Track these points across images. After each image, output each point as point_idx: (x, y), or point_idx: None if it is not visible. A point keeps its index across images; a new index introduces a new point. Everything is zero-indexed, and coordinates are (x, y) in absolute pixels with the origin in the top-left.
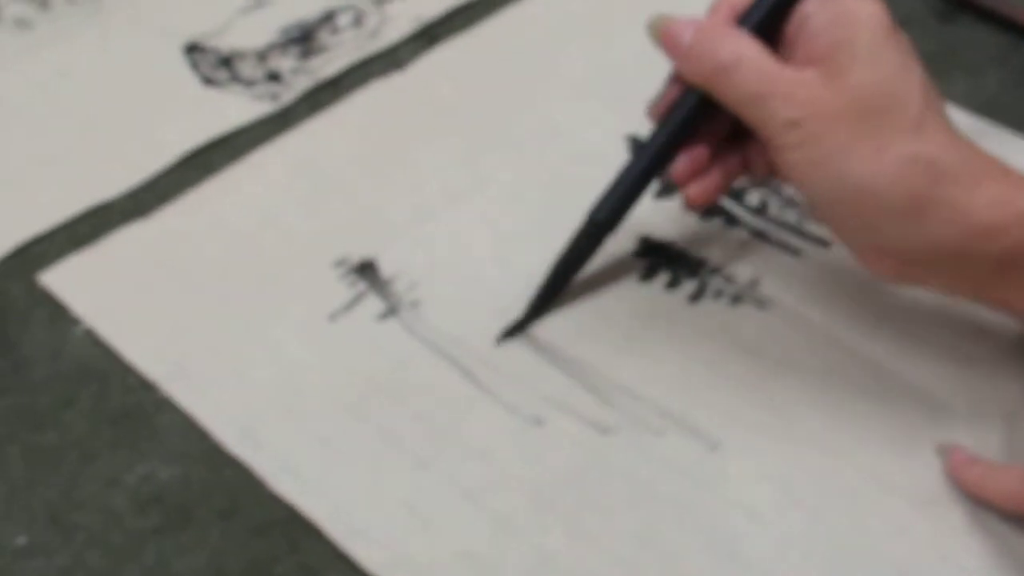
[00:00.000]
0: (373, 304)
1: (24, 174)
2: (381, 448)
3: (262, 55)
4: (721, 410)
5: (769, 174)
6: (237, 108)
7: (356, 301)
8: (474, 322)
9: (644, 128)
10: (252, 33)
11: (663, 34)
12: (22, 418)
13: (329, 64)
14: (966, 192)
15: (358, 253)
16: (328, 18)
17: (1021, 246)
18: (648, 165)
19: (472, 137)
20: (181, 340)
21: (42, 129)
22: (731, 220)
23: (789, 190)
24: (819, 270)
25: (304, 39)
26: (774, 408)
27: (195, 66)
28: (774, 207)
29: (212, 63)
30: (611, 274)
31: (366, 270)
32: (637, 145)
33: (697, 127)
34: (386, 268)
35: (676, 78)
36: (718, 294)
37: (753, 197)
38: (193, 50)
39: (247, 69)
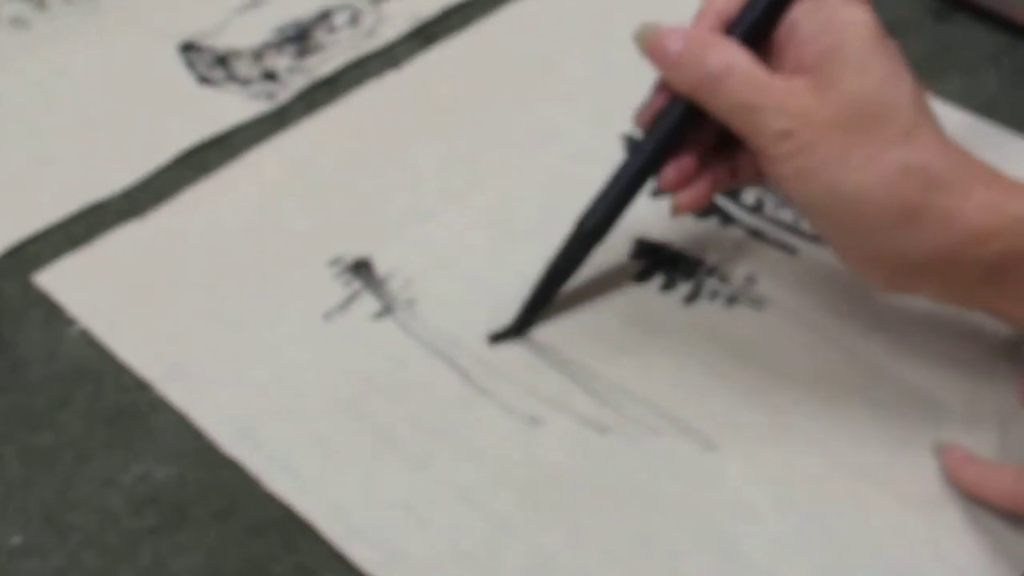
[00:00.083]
0: (368, 303)
1: (20, 173)
2: (377, 448)
3: (258, 54)
4: (717, 410)
5: (758, 181)
6: (233, 107)
7: (351, 300)
8: (470, 321)
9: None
10: (248, 32)
11: (650, 44)
12: (17, 418)
13: (325, 63)
14: (958, 199)
15: (353, 252)
16: (324, 17)
17: (1012, 252)
18: (636, 175)
19: (468, 136)
20: (176, 340)
21: (38, 128)
22: (727, 219)
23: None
24: (815, 268)
25: (300, 38)
26: (770, 408)
27: (191, 65)
28: (770, 206)
29: (208, 62)
30: (607, 275)
31: (361, 269)
32: (628, 151)
33: (684, 136)
34: (381, 267)
35: (663, 86)
36: (714, 295)
37: (749, 196)
38: (189, 49)
39: (243, 68)
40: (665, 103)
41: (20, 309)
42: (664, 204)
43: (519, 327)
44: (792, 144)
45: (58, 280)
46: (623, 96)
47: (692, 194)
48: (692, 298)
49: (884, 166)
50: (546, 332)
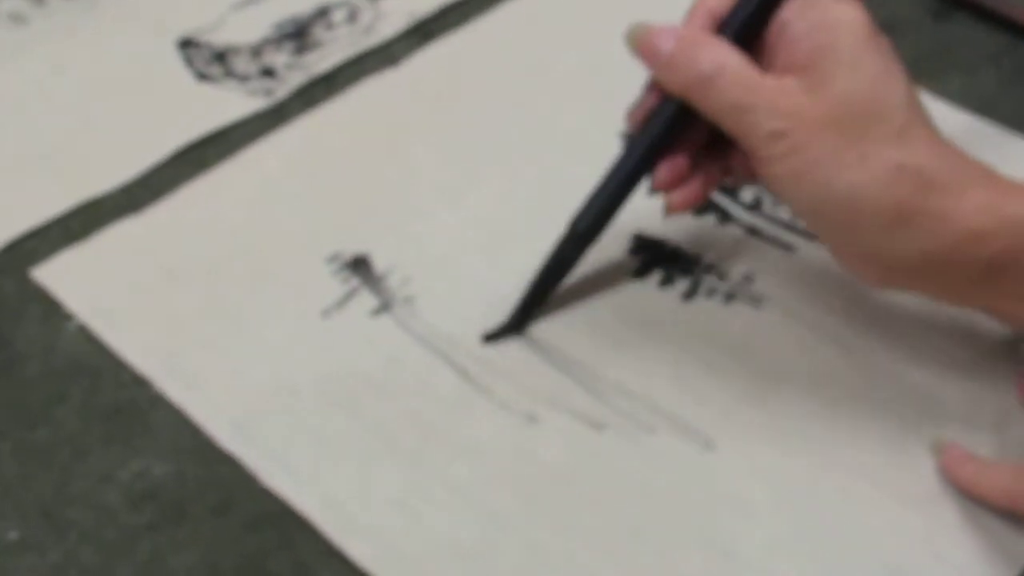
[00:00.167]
0: (366, 300)
1: (17, 168)
2: (374, 444)
3: (256, 50)
4: (714, 408)
5: (752, 180)
6: (231, 103)
7: (349, 297)
8: (467, 318)
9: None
10: (246, 28)
11: (641, 43)
12: (14, 414)
13: (323, 60)
14: (953, 199)
15: (351, 249)
16: (322, 14)
17: (1007, 252)
18: (628, 175)
19: (466, 133)
20: (174, 336)
21: (36, 123)
22: (725, 217)
23: None
24: (813, 266)
25: (298, 34)
26: (766, 406)
27: (189, 61)
28: (768, 204)
29: (206, 58)
30: (605, 272)
31: (359, 266)
32: (619, 153)
33: (677, 136)
34: (379, 264)
35: (654, 86)
36: (711, 292)
37: (747, 194)
38: (187, 45)
39: (241, 64)
40: (657, 102)
41: (17, 304)
42: (661, 202)
43: (513, 326)
44: (785, 145)
45: (56, 275)
46: (621, 93)
47: (685, 193)
48: (690, 295)
49: (878, 165)
50: (544, 328)
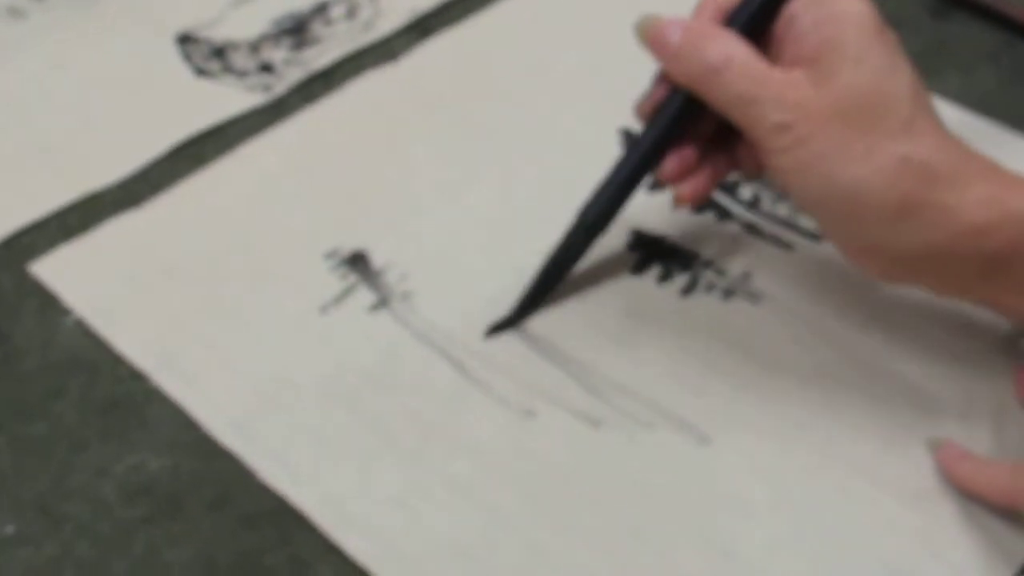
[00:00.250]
0: (364, 296)
1: (16, 163)
2: (372, 439)
3: (255, 46)
4: (712, 404)
5: (759, 172)
6: (229, 99)
7: (347, 293)
8: (466, 314)
9: (637, 122)
10: (245, 24)
11: (650, 35)
12: (11, 408)
13: (322, 55)
14: (957, 192)
15: (349, 244)
16: (321, 9)
17: (1011, 245)
18: (637, 166)
19: (465, 129)
20: (172, 331)
21: (34, 118)
22: (724, 214)
23: None
24: (811, 264)
25: (297, 30)
26: (765, 403)
27: (188, 57)
28: (767, 201)
29: (205, 54)
30: (603, 267)
31: (357, 262)
32: (627, 144)
33: (685, 127)
34: (377, 260)
35: (663, 78)
36: (710, 288)
37: (746, 191)
38: (186, 41)
39: (240, 60)
40: (665, 94)
41: (15, 299)
42: (661, 196)
43: (516, 318)
44: (790, 136)
45: (53, 270)
46: (620, 89)
47: (693, 185)
48: (689, 290)
49: (883, 158)
50: (542, 324)
